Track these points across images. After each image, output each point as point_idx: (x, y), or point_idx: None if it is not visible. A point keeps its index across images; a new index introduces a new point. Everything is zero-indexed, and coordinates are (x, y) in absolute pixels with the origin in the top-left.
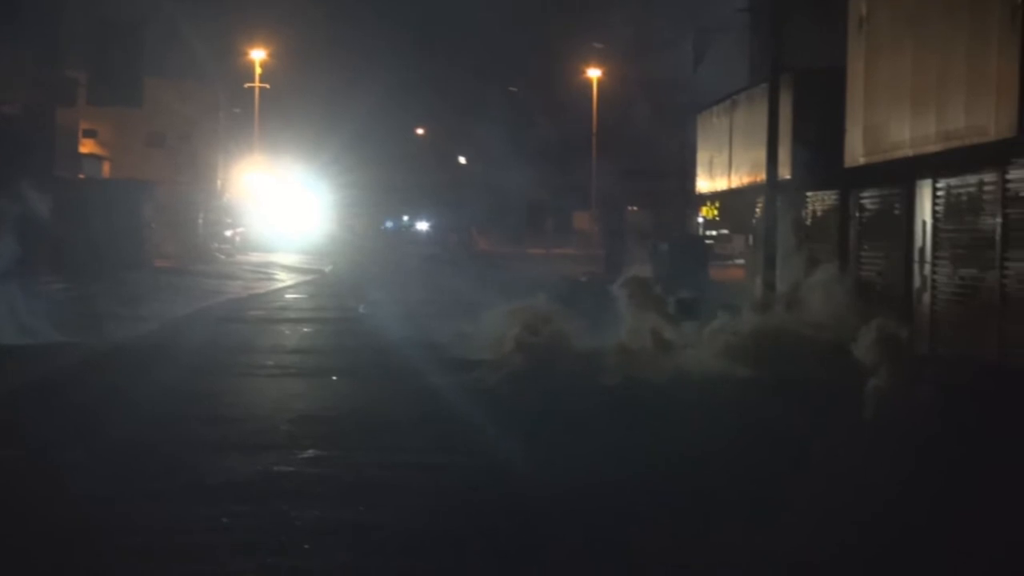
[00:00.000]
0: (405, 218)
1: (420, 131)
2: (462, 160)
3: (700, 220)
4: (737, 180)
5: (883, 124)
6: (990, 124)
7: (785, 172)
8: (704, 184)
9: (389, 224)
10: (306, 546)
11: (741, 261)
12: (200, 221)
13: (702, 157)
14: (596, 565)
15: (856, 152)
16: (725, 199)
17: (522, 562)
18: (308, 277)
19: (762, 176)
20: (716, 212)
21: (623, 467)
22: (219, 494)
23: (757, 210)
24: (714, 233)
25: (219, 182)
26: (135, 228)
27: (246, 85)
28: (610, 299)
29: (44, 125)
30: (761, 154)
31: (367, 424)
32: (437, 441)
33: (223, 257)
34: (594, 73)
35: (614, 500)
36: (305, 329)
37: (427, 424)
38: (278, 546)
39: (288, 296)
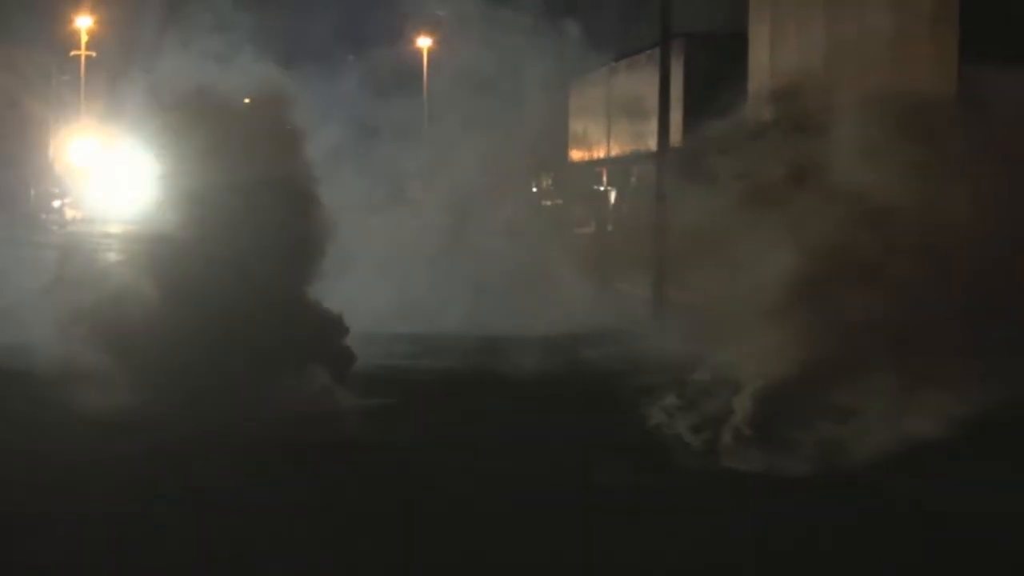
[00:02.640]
0: None
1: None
2: None
3: (533, 190)
4: (617, 148)
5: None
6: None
7: (676, 140)
8: (578, 153)
9: None
10: None
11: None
12: (32, 192)
13: (575, 126)
14: None
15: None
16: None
17: None
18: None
19: (645, 144)
20: (549, 182)
21: None
22: None
23: (633, 179)
24: (549, 203)
25: (50, 151)
26: None
27: (72, 53)
28: None
29: None
30: (643, 122)
31: None
32: None
33: (56, 228)
34: (424, 42)
35: None
36: None
37: None
38: None
39: None
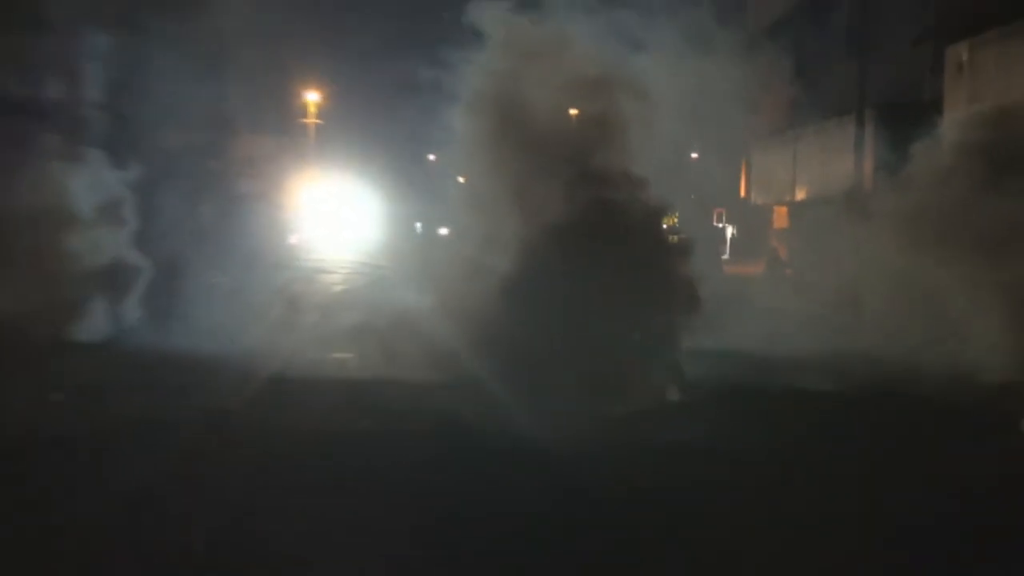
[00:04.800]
0: (417, 225)
1: (432, 157)
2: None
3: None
4: (801, 195)
5: None
6: None
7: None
8: (761, 198)
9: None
10: None
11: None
12: (283, 230)
13: (758, 177)
14: None
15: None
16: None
17: None
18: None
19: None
20: (675, 220)
21: None
22: None
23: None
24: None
25: (292, 197)
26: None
27: (299, 120)
28: None
29: None
30: (830, 180)
31: None
32: None
33: (305, 259)
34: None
35: None
36: None
37: None
38: None
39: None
